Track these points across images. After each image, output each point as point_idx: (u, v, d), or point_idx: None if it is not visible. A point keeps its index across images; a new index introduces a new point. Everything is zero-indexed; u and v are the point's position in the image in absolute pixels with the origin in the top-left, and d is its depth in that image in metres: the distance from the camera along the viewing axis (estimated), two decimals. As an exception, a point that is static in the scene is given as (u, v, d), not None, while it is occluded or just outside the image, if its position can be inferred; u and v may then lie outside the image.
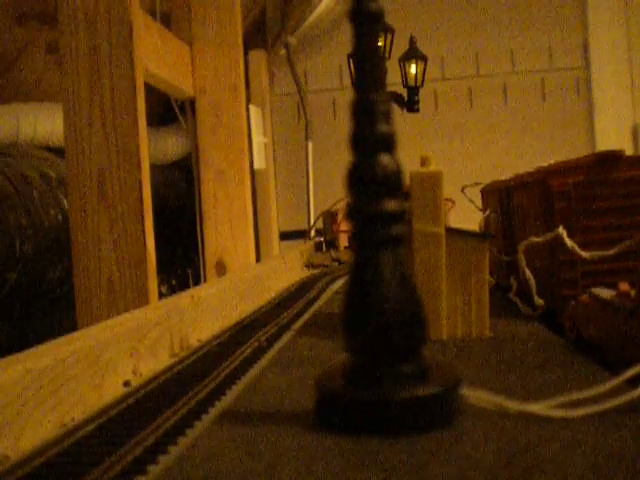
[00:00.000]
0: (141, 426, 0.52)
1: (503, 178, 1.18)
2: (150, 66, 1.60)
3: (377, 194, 0.51)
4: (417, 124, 2.71)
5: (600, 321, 0.68)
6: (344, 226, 1.99)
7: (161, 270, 1.69)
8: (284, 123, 3.05)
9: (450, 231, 0.82)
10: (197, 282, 2.45)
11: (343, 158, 0.51)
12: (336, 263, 1.84)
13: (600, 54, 2.91)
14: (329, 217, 2.12)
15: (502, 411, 0.51)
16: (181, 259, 2.59)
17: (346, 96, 0.54)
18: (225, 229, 2.03)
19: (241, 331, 0.92)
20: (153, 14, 1.90)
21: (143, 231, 1.35)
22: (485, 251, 0.83)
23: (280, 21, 2.96)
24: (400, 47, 1.51)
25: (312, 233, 2.36)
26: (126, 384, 0.68)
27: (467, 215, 1.41)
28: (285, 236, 2.96)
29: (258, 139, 2.50)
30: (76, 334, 0.68)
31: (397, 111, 1.51)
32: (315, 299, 1.22)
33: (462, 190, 1.31)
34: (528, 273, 0.88)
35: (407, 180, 0.77)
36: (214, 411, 0.58)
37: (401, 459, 0.44)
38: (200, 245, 2.12)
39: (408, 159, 0.59)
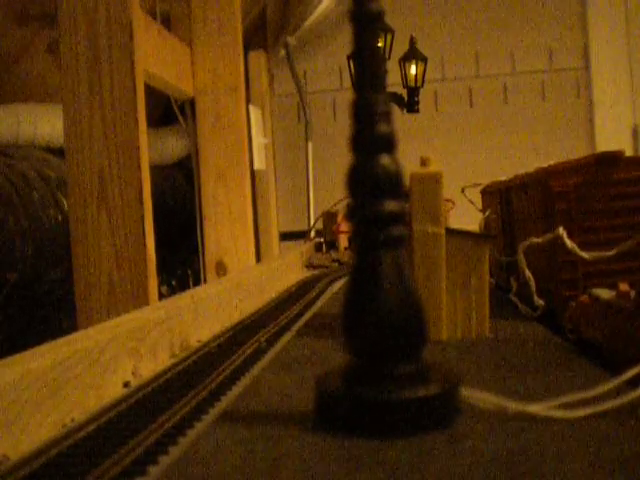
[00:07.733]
0: (141, 426, 0.52)
1: (503, 178, 1.18)
2: (150, 66, 1.60)
3: (377, 195, 0.51)
4: (417, 124, 2.71)
5: (600, 322, 0.68)
6: (344, 227, 1.99)
7: (161, 270, 1.69)
8: (284, 124, 3.05)
9: (450, 232, 0.82)
10: (197, 282, 2.45)
11: (343, 158, 0.51)
12: (336, 264, 1.84)
13: (600, 54, 2.91)
14: (329, 218, 2.11)
15: (502, 412, 0.51)
16: (181, 259, 2.59)
17: (346, 96, 0.54)
18: (225, 229, 2.03)
19: (241, 332, 0.92)
20: (153, 14, 1.90)
21: (143, 231, 1.35)
22: (485, 252, 0.83)
23: (280, 21, 2.96)
24: (400, 47, 1.51)
25: (312, 234, 2.36)
26: (126, 385, 0.68)
27: (467, 216, 1.41)
28: (285, 237, 2.96)
29: (258, 140, 2.50)
30: (76, 334, 0.68)
31: (397, 111, 1.51)
32: (315, 300, 1.22)
33: (462, 191, 1.31)
34: (528, 274, 0.88)
35: (407, 180, 0.77)
36: (214, 411, 0.58)
37: (401, 459, 0.44)
38: (200, 245, 2.12)
39: (408, 159, 0.59)
